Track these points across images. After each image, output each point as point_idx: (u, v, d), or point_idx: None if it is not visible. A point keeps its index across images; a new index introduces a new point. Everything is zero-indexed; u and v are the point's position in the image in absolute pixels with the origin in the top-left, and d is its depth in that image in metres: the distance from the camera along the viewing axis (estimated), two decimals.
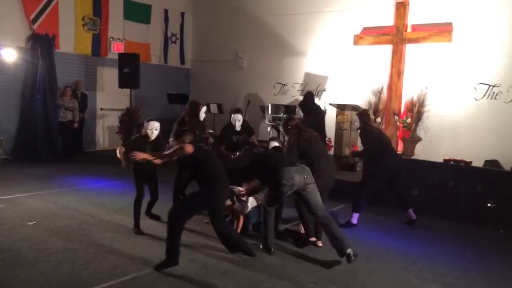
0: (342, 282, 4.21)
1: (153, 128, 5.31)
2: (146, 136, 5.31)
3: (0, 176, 8.01)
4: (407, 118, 9.34)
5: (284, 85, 11.70)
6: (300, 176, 4.57)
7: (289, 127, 5.29)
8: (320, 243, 5.06)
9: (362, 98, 9.95)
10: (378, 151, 5.89)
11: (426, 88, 9.36)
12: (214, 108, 11.42)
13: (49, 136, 9.95)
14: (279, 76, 11.76)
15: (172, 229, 4.21)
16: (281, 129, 5.59)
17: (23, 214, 5.78)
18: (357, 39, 10.07)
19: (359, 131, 6.16)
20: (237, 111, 6.54)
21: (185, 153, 4.33)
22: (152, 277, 4.05)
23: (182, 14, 13.49)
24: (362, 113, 6.21)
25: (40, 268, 4.12)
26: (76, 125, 10.43)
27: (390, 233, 5.85)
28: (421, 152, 9.13)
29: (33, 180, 7.91)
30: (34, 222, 5.46)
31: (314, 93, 10.24)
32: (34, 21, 10.05)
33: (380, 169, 5.94)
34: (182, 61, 13.67)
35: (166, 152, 4.61)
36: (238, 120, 6.35)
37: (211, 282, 4.04)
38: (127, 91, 10.89)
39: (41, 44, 9.88)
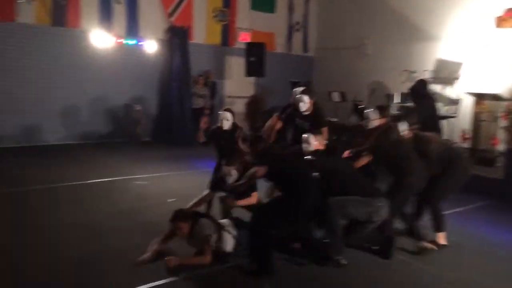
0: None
1: (224, 118, 5.29)
2: (221, 126, 5.35)
3: (141, 157, 8.88)
4: None
5: (413, 72, 11.06)
6: None
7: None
8: None
9: (504, 86, 9.01)
10: None
11: None
12: (335, 96, 11.29)
13: (183, 121, 10.69)
14: (407, 63, 11.11)
15: (259, 242, 3.91)
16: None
17: (164, 192, 6.36)
18: (500, 22, 9.17)
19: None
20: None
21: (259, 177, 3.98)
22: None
23: (307, 2, 13.49)
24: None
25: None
26: (207, 111, 11.06)
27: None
28: None
29: (172, 161, 8.67)
30: (174, 199, 5.93)
31: (446, 81, 9.53)
32: (171, 14, 10.87)
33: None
34: (306, 49, 13.70)
35: (240, 182, 4.20)
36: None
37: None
38: (251, 79, 11.24)
39: (177, 36, 10.66)
